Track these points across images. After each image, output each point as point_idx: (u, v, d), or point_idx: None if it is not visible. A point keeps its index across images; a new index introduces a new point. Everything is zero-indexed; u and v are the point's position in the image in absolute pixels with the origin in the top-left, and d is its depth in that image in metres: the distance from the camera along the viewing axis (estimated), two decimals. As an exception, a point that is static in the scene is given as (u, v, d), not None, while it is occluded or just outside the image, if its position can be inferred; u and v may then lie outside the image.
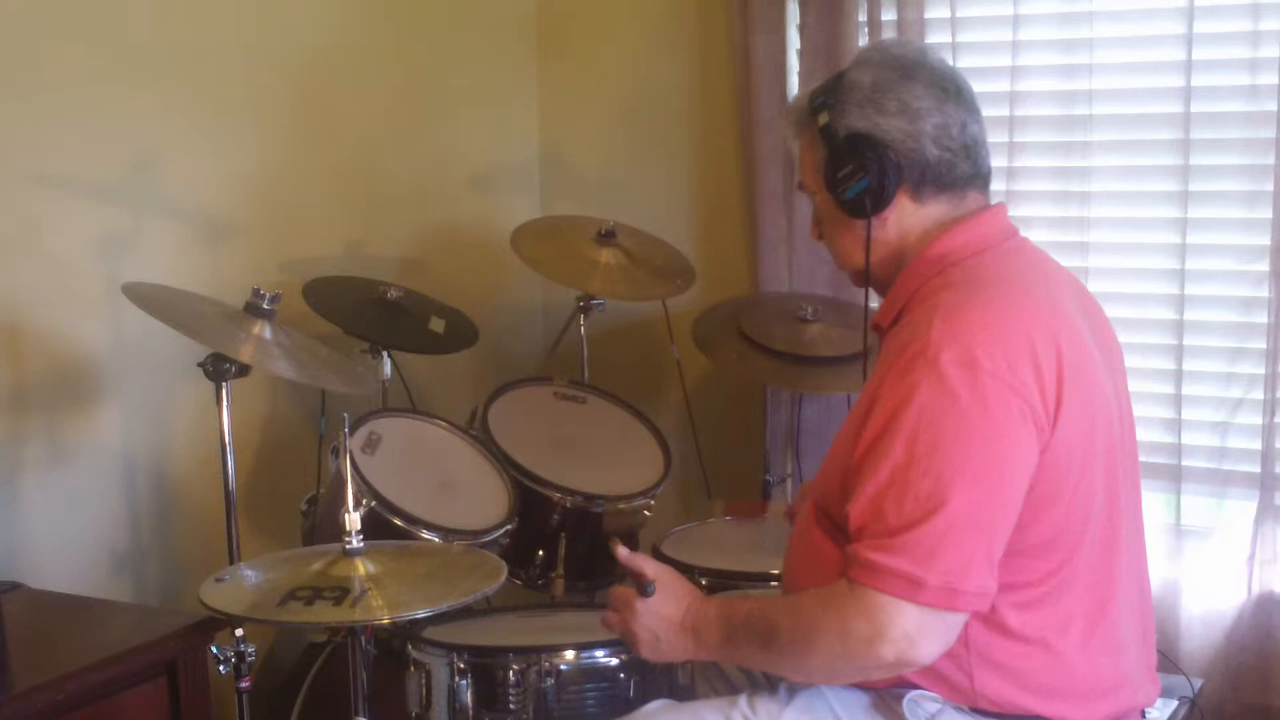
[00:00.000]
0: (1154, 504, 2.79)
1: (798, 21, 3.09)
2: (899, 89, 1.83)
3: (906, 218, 1.86)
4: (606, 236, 3.00)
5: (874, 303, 2.01)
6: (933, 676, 1.78)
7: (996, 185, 2.80)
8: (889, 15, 2.97)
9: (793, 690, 1.88)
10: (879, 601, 1.66)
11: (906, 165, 1.83)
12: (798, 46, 3.09)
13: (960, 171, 1.86)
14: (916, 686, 1.79)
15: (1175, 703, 2.20)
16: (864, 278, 1.93)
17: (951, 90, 1.85)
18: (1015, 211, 2.80)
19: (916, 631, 1.66)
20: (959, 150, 1.85)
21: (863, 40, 3.01)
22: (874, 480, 1.69)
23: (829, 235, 1.95)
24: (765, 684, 2.02)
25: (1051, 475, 1.71)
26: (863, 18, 3.01)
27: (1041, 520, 1.73)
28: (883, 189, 1.83)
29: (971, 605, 1.68)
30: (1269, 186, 2.66)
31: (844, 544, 1.73)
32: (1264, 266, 2.68)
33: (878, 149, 1.82)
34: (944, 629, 1.68)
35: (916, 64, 1.85)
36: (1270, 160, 2.65)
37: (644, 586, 1.90)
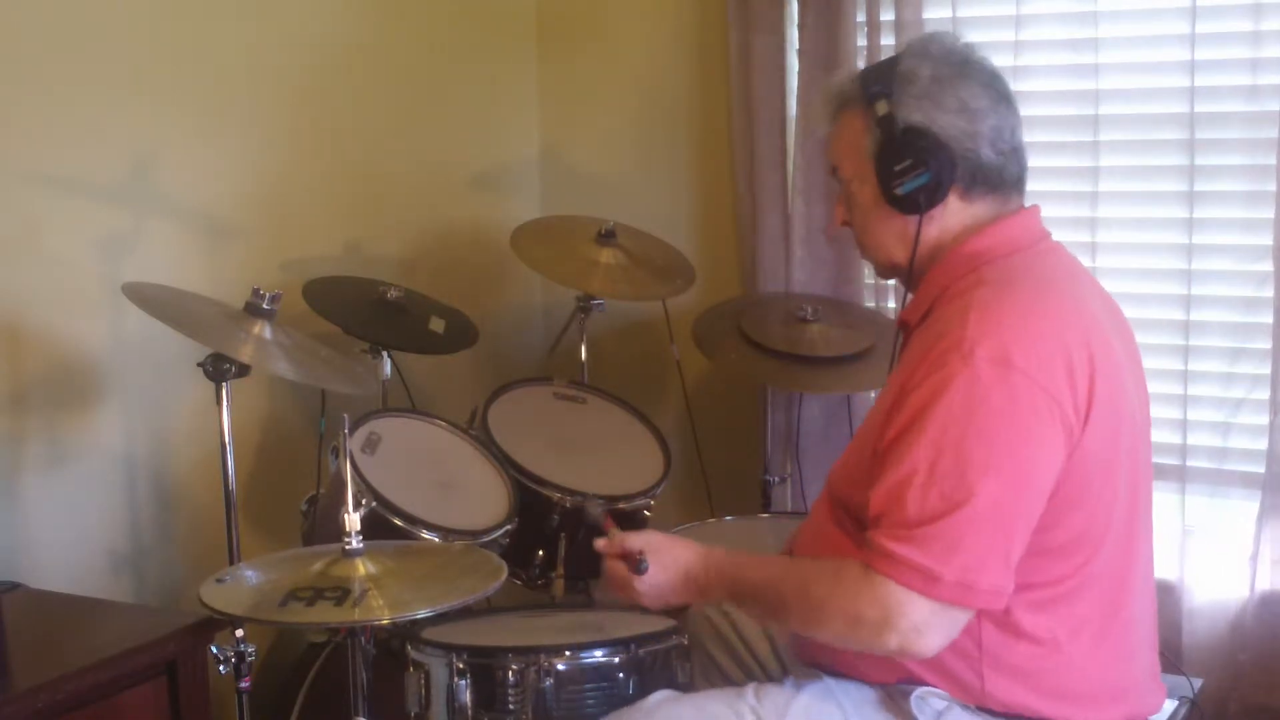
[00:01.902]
0: (1157, 503, 2.78)
1: (797, 21, 3.08)
2: (958, 86, 1.81)
3: (950, 216, 1.85)
4: (606, 236, 3.00)
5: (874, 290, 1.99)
6: (943, 675, 1.78)
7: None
8: (888, 15, 2.97)
9: (800, 684, 1.88)
10: (892, 591, 1.66)
11: (962, 164, 1.82)
12: (797, 46, 3.09)
13: (1009, 174, 1.85)
14: (925, 684, 1.79)
15: (1175, 703, 2.20)
16: (895, 271, 1.92)
17: (1003, 92, 1.85)
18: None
19: (925, 625, 1.66)
20: (1009, 153, 1.84)
21: (862, 40, 3.01)
22: (898, 470, 1.68)
23: (863, 225, 1.92)
24: (766, 678, 2.02)
25: (1077, 478, 1.71)
26: (862, 18, 3.01)
27: (1065, 522, 1.73)
28: (938, 186, 1.81)
29: (985, 603, 1.68)
30: (1271, 187, 2.65)
31: (858, 535, 1.73)
32: (1267, 267, 2.68)
33: (935, 145, 1.80)
34: (951, 624, 1.69)
35: (969, 61, 1.84)
36: (1272, 160, 2.64)
37: (637, 565, 1.89)
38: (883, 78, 1.85)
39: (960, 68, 1.83)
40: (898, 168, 1.81)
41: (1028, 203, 1.91)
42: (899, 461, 1.68)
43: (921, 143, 1.80)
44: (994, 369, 1.66)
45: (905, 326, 1.92)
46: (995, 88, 1.84)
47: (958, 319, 1.72)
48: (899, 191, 1.82)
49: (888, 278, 1.97)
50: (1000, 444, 1.66)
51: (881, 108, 1.83)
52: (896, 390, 1.75)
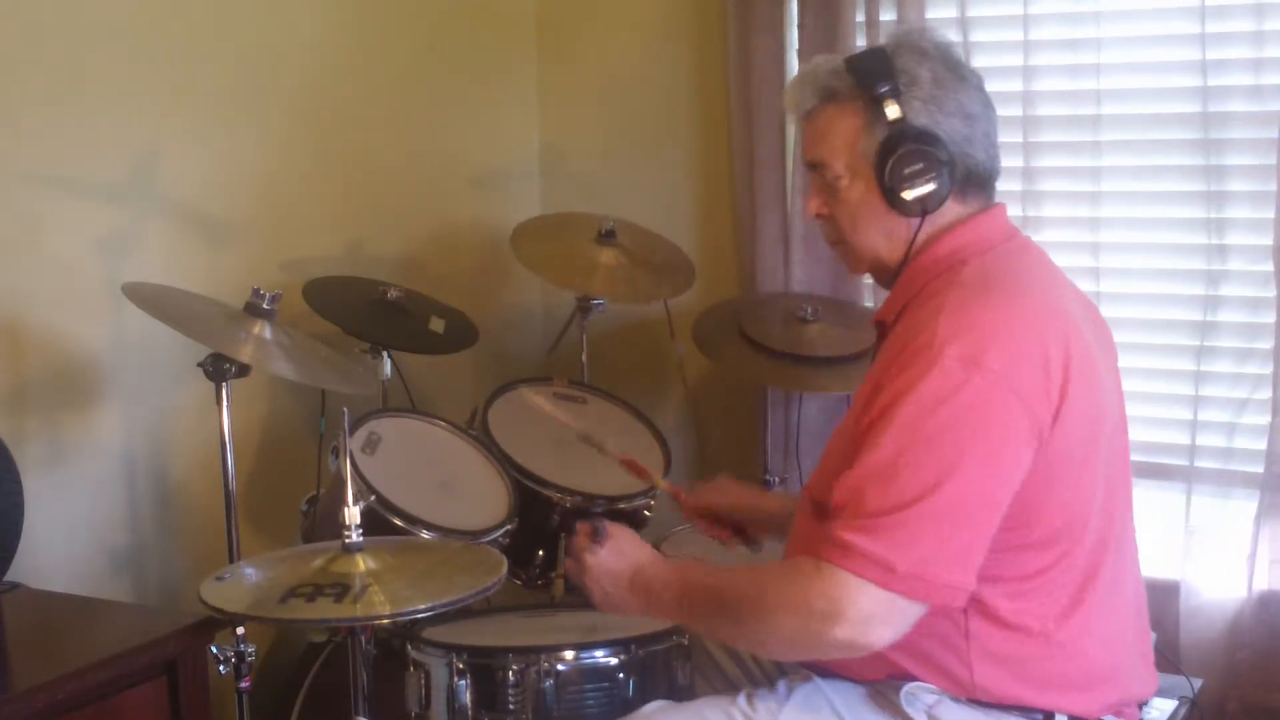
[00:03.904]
0: (1158, 503, 2.79)
1: (797, 22, 3.08)
2: (957, 91, 1.82)
3: (941, 217, 1.85)
4: (606, 236, 3.00)
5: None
6: (932, 668, 1.78)
7: (1012, 185, 2.81)
8: (888, 16, 2.97)
9: (792, 686, 1.89)
10: (844, 581, 1.66)
11: (959, 167, 1.83)
12: (797, 47, 3.09)
13: (994, 175, 1.88)
14: (914, 678, 1.79)
15: (1175, 702, 2.20)
16: (877, 267, 1.91)
17: (987, 96, 1.87)
18: (1029, 212, 2.81)
19: (874, 616, 1.66)
20: (995, 155, 1.87)
21: (861, 41, 3.00)
22: (863, 464, 1.69)
23: (851, 222, 1.89)
24: (764, 680, 2.02)
25: (1043, 476, 1.71)
26: (861, 18, 3.01)
27: (1041, 518, 1.74)
28: (944, 190, 1.81)
29: (940, 598, 1.68)
30: (1272, 186, 2.65)
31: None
32: (1268, 267, 2.68)
33: (941, 149, 1.80)
34: (901, 617, 1.68)
35: (960, 64, 1.86)
36: (1272, 160, 2.64)
37: (596, 530, 1.91)
38: (882, 76, 1.82)
39: (957, 71, 1.84)
40: (907, 170, 1.80)
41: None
42: (864, 456, 1.69)
43: (930, 147, 1.80)
44: (962, 368, 1.67)
45: (881, 325, 1.92)
46: (984, 91, 1.87)
47: (930, 319, 1.72)
48: (906, 195, 1.81)
49: (861, 273, 1.96)
50: (964, 442, 1.66)
51: (892, 110, 1.81)
52: (869, 389, 1.76)
